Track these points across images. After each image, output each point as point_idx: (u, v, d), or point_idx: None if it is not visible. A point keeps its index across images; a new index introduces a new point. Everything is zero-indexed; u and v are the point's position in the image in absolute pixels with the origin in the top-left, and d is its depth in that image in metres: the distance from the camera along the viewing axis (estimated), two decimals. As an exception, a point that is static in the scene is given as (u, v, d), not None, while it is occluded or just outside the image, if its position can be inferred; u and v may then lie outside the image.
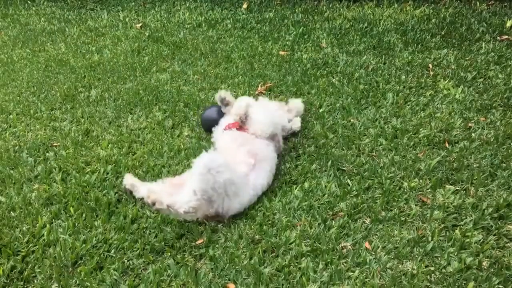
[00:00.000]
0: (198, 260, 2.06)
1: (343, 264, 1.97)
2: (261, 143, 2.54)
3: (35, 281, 2.00)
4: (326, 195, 2.37)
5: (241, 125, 2.62)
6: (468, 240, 2.03)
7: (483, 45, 4.03)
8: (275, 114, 2.78)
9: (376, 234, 2.12)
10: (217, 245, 2.11)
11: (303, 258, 2.01)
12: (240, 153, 2.44)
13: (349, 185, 2.43)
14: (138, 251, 2.11)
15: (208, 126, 2.95)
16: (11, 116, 3.44)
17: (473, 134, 2.78)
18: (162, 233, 2.18)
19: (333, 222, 2.20)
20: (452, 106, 3.10)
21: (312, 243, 2.07)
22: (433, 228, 2.12)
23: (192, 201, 2.09)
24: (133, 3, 6.35)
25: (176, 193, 2.20)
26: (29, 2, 6.86)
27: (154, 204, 2.08)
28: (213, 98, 3.48)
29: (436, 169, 2.49)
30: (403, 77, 3.59)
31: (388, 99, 3.26)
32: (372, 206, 2.27)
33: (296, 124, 2.92)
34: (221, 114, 2.92)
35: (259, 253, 2.04)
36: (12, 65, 4.51)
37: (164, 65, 4.21)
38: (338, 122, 3.03)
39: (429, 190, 2.36)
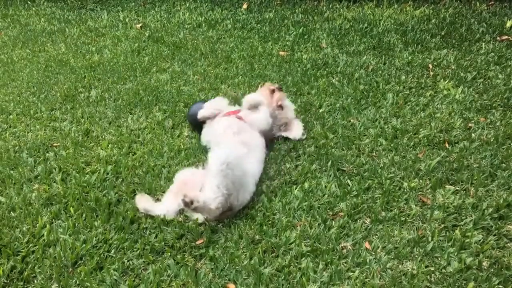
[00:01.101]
0: (198, 260, 2.06)
1: (343, 264, 1.97)
2: (254, 134, 2.68)
3: (35, 281, 2.00)
4: (326, 195, 2.37)
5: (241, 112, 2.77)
6: (468, 240, 2.03)
7: (483, 45, 4.04)
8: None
9: (376, 234, 2.12)
10: (217, 245, 2.11)
11: (303, 258, 2.01)
12: (234, 141, 2.54)
13: (349, 185, 2.43)
14: (138, 251, 2.10)
15: (195, 122, 3.00)
16: (11, 116, 3.44)
17: (473, 135, 2.78)
18: (162, 233, 2.18)
19: (333, 222, 2.20)
20: (452, 107, 3.10)
21: (312, 243, 2.07)
22: (433, 228, 2.12)
23: (218, 197, 2.13)
24: (133, 4, 6.35)
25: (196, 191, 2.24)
26: (29, 2, 6.86)
27: (192, 203, 2.09)
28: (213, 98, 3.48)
29: (436, 170, 2.49)
30: (403, 77, 3.59)
31: (388, 100, 3.26)
32: (372, 206, 2.27)
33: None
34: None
35: (259, 253, 2.04)
36: (12, 65, 4.51)
37: (164, 66, 4.21)
38: (338, 122, 3.03)
39: (429, 190, 2.36)
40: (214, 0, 6.10)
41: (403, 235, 2.10)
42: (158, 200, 2.41)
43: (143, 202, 2.34)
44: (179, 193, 2.28)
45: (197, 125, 3.01)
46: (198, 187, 2.30)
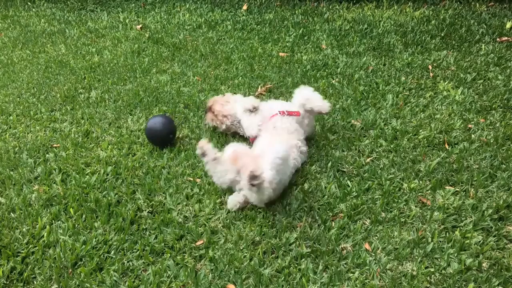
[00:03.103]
0: (198, 261, 2.06)
1: (343, 265, 1.97)
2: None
3: (35, 282, 2.00)
4: (326, 196, 2.37)
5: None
6: (468, 241, 2.03)
7: (483, 46, 4.04)
8: None
9: (376, 235, 2.12)
10: (217, 246, 2.11)
11: (303, 259, 2.01)
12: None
13: (349, 186, 2.43)
14: (138, 252, 2.10)
15: (152, 137, 2.87)
16: (11, 117, 3.44)
17: (472, 135, 2.78)
18: (162, 234, 2.18)
19: (333, 223, 2.20)
20: (452, 108, 3.11)
21: (312, 244, 2.07)
22: (433, 229, 2.12)
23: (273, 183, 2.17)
24: (133, 5, 6.36)
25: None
26: (29, 3, 6.87)
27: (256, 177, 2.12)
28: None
29: (436, 171, 2.49)
30: (403, 78, 3.59)
31: (388, 101, 3.26)
32: (372, 207, 2.27)
33: None
34: (166, 124, 2.83)
35: (259, 254, 2.04)
36: (12, 66, 4.52)
37: (164, 67, 4.22)
38: (338, 123, 3.03)
39: (429, 191, 2.36)
40: (214, 1, 6.11)
41: (403, 236, 2.09)
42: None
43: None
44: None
45: (154, 141, 2.89)
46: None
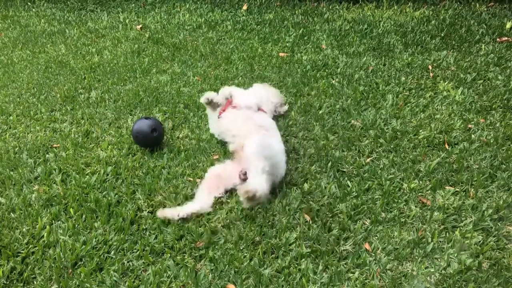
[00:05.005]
0: (198, 261, 2.06)
1: (343, 265, 1.97)
2: (262, 115, 2.83)
3: (35, 282, 2.00)
4: (326, 197, 2.37)
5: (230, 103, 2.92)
6: (468, 241, 2.03)
7: (483, 46, 4.04)
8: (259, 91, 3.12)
9: (376, 235, 2.12)
10: (217, 247, 2.11)
11: (303, 260, 2.01)
12: (249, 127, 2.64)
13: (349, 187, 2.43)
14: (138, 252, 2.10)
15: (139, 140, 2.83)
16: (11, 118, 3.44)
17: (472, 136, 2.78)
18: (162, 235, 2.18)
19: (333, 223, 2.20)
20: (452, 108, 3.11)
21: (312, 244, 2.07)
22: (433, 229, 2.12)
23: (264, 182, 2.24)
24: (133, 5, 6.36)
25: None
26: (29, 3, 6.88)
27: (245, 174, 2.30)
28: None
29: (436, 171, 2.49)
30: (403, 78, 3.59)
31: (388, 101, 3.26)
32: (372, 208, 2.27)
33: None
34: (152, 127, 2.76)
35: (259, 254, 2.04)
36: (12, 66, 4.52)
37: (164, 67, 4.22)
38: (338, 123, 3.03)
39: (429, 192, 2.36)
40: (214, 2, 6.11)
41: (403, 236, 2.10)
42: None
43: (167, 212, 2.28)
44: (213, 187, 2.41)
45: (140, 142, 2.85)
46: (234, 177, 2.42)
